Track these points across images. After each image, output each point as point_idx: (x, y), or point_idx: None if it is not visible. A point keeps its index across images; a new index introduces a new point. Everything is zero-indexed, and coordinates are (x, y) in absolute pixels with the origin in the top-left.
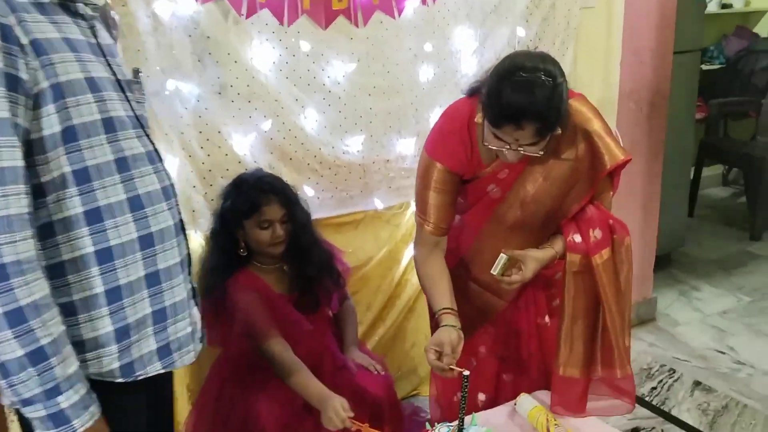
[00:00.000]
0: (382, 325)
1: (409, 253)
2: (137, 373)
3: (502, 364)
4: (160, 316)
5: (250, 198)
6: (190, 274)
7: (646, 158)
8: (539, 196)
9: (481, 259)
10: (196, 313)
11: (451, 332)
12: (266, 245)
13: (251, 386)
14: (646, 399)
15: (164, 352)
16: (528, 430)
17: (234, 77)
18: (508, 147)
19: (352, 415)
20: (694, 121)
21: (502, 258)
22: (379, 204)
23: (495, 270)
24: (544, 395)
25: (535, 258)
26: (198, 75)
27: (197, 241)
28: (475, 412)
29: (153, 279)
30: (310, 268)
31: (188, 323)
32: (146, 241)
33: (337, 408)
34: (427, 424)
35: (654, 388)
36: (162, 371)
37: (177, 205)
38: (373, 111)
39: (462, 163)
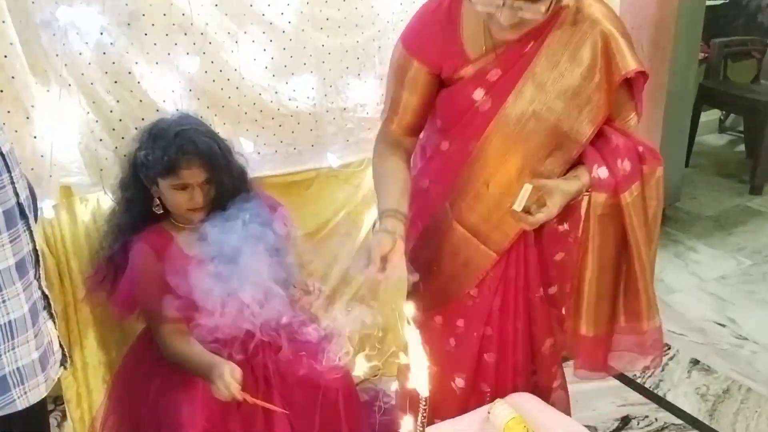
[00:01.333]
0: (339, 299)
1: (371, 217)
2: None
3: (484, 341)
4: None
5: (167, 156)
6: (39, 276)
7: (646, 105)
8: (540, 110)
9: (469, 194)
10: (50, 329)
11: (383, 237)
12: (183, 209)
13: (171, 376)
14: (638, 381)
15: None
16: None
17: (147, 4)
18: (500, 3)
19: (239, 383)
20: (697, 63)
21: (527, 189)
22: (334, 161)
23: (518, 205)
24: (526, 399)
25: (563, 190)
26: (100, 1)
27: (106, 205)
28: (451, 399)
29: None
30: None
31: (34, 346)
32: None
33: (225, 375)
34: None
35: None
36: None
37: (20, 179)
38: (326, 48)
39: (441, 55)
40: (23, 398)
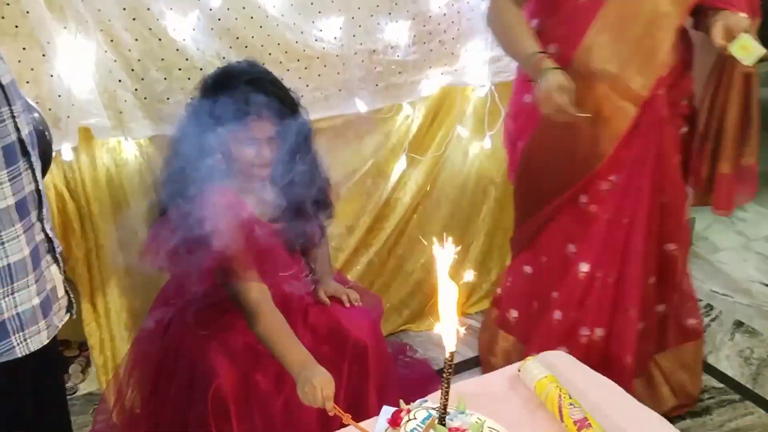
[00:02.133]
0: (366, 252)
1: (400, 167)
2: None
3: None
4: None
5: (236, 106)
6: (42, 218)
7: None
8: None
9: (603, 47)
10: (54, 273)
11: (558, 74)
12: (248, 165)
13: (205, 324)
14: None
15: None
16: (534, 406)
17: None
18: None
19: (331, 396)
20: None
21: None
22: (362, 106)
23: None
24: (560, 358)
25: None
26: None
27: (130, 151)
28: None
29: None
30: (301, 200)
31: (35, 291)
32: None
33: (315, 387)
34: (401, 402)
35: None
36: None
37: (22, 114)
38: None
39: None
40: (23, 345)
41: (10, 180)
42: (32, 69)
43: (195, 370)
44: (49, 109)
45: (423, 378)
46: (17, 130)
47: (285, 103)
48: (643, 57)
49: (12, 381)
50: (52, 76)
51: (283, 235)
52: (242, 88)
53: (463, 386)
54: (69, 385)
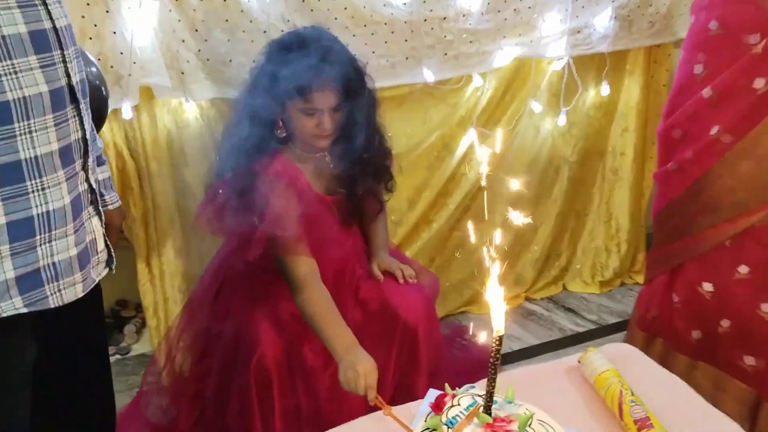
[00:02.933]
0: (427, 228)
1: (467, 140)
2: None
3: None
4: (20, 230)
5: (299, 75)
6: (87, 168)
7: None
8: None
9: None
10: (95, 226)
11: None
12: (309, 135)
13: (253, 298)
14: None
15: (28, 282)
16: (592, 401)
17: None
18: None
19: (374, 385)
20: None
21: None
22: (429, 76)
23: None
24: (626, 351)
25: None
26: None
27: (192, 113)
28: None
29: (8, 173)
30: (362, 174)
31: (73, 242)
32: None
33: (358, 373)
34: (446, 387)
35: None
36: (24, 311)
37: (74, 60)
38: None
39: None
40: (56, 296)
41: (56, 125)
42: (95, 25)
43: (241, 338)
44: (111, 67)
45: (479, 363)
46: (67, 75)
47: (351, 73)
48: None
49: (51, 331)
50: (114, 33)
51: (339, 208)
52: (307, 55)
53: (517, 374)
54: (123, 345)
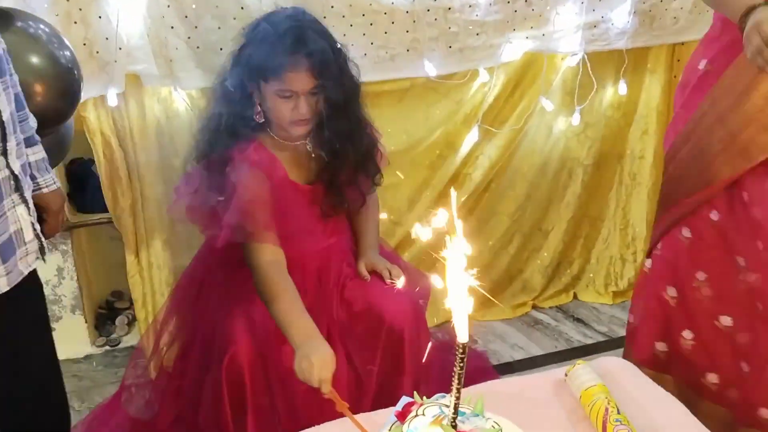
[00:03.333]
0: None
1: (471, 139)
2: None
3: None
4: None
5: (273, 55)
6: (6, 151)
7: None
8: None
9: None
10: (20, 215)
11: None
12: (285, 121)
13: (229, 296)
14: None
15: None
16: (576, 418)
17: None
18: None
19: (329, 380)
20: None
21: None
22: (431, 70)
23: None
24: (618, 365)
25: None
26: None
27: (180, 102)
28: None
29: None
30: (343, 163)
31: None
32: None
33: (312, 364)
34: (415, 395)
35: None
36: None
37: None
38: None
39: None
40: None
41: None
42: (80, 9)
43: (215, 335)
44: (96, 52)
45: (476, 371)
46: None
47: (330, 56)
48: None
49: None
50: (100, 17)
51: (319, 199)
52: (284, 35)
53: (499, 385)
54: (113, 336)
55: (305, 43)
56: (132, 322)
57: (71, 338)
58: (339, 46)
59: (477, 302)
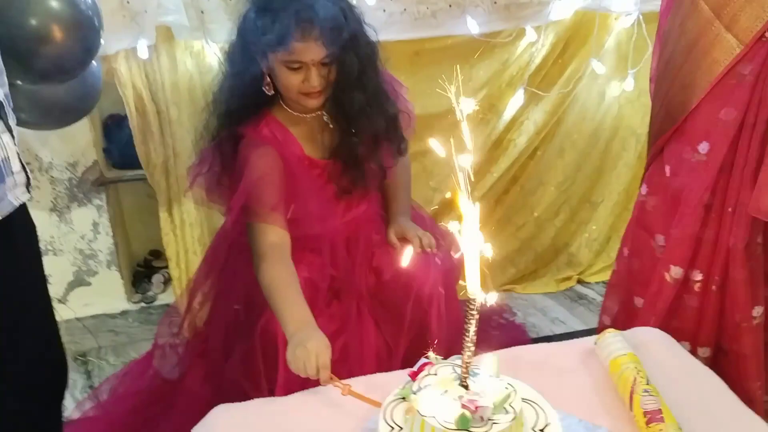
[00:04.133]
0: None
1: (516, 103)
2: None
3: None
4: None
5: (277, 23)
6: None
7: None
8: None
9: None
10: (6, 143)
11: None
12: (295, 93)
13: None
14: None
15: None
16: (603, 387)
17: None
18: None
19: (328, 365)
20: None
21: None
22: (474, 27)
23: None
24: (652, 336)
25: None
26: None
27: (212, 57)
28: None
29: None
30: (359, 138)
31: None
32: None
33: (309, 351)
34: (431, 355)
35: None
36: None
37: None
38: None
39: None
40: None
41: None
42: None
43: (248, 300)
44: (127, 2)
45: (512, 343)
46: None
47: (341, 23)
48: None
49: None
50: None
51: (336, 174)
52: (288, 2)
53: (526, 352)
54: (150, 294)
55: (314, 9)
56: (168, 280)
57: (107, 293)
58: (354, 9)
59: (518, 275)
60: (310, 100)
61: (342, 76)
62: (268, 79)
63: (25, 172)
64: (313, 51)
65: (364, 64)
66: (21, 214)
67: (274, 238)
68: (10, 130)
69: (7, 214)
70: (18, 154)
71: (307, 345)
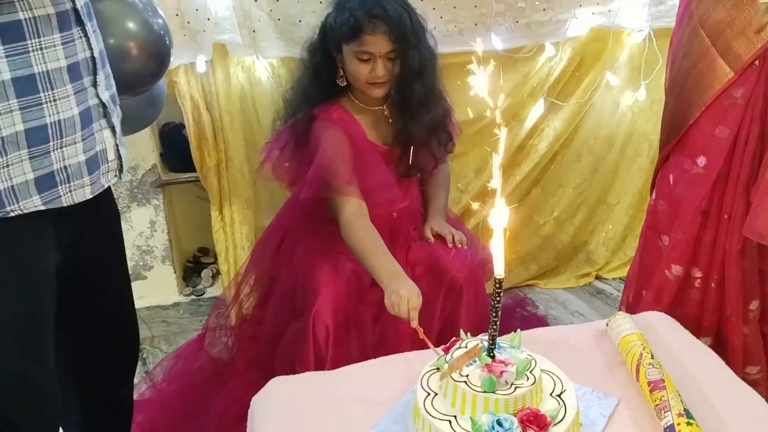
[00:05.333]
0: (491, 197)
1: (537, 111)
2: (7, 208)
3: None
4: (36, 136)
5: (352, 17)
6: (96, 84)
7: None
8: None
9: None
10: (106, 138)
11: None
12: (363, 82)
13: (315, 250)
14: None
15: (44, 183)
16: (614, 363)
17: None
18: None
19: (417, 309)
20: None
21: None
22: (498, 43)
23: None
24: (659, 319)
25: None
26: None
27: (261, 70)
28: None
29: (24, 85)
30: (418, 126)
31: (82, 149)
32: (11, 31)
33: (402, 297)
34: (461, 332)
35: None
36: (42, 208)
37: None
38: None
39: None
40: (68, 196)
41: (63, 44)
42: None
43: (301, 288)
44: (188, 22)
45: None
46: (72, 0)
47: (407, 23)
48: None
49: (72, 227)
50: None
51: (395, 159)
52: (363, 1)
53: (543, 332)
54: (199, 287)
55: (384, 9)
56: (216, 275)
57: (161, 287)
58: (418, 16)
59: (540, 271)
60: (375, 89)
61: (405, 69)
62: (342, 71)
63: (119, 161)
64: (381, 44)
65: (424, 63)
66: (107, 198)
67: (354, 206)
68: (111, 127)
69: (97, 192)
70: (116, 146)
71: (401, 292)
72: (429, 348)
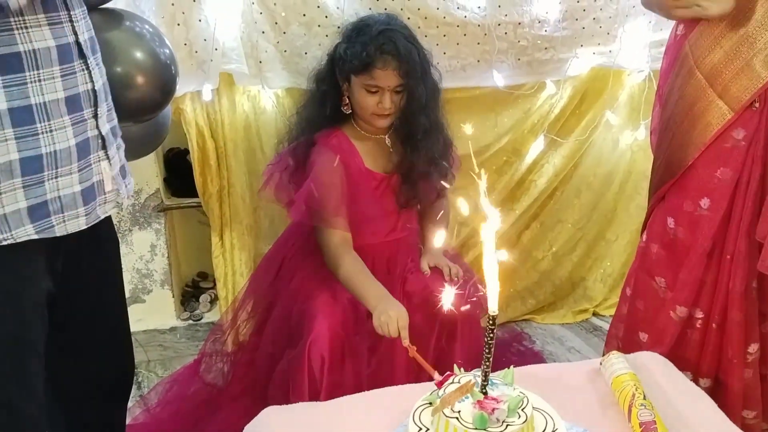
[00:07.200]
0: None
1: (537, 148)
2: None
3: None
4: (31, 166)
5: (364, 52)
6: (97, 116)
7: None
8: None
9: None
10: (103, 169)
11: None
12: (369, 113)
13: (312, 279)
14: None
15: (38, 212)
16: (607, 403)
17: None
18: None
19: (406, 328)
20: None
21: None
22: (499, 80)
23: None
24: (652, 360)
25: None
26: None
27: (266, 100)
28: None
29: (20, 115)
30: (419, 157)
31: (77, 179)
32: (9, 63)
33: (391, 317)
34: (454, 367)
35: None
36: (35, 237)
37: (82, 20)
38: None
39: None
40: (61, 226)
41: (62, 76)
42: (183, 12)
43: (297, 316)
44: (196, 52)
45: None
46: (75, 33)
47: (415, 59)
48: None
49: (64, 265)
50: (200, 21)
51: (392, 187)
52: (377, 36)
53: (537, 369)
54: (197, 312)
55: (395, 43)
56: (214, 300)
57: (159, 310)
58: (425, 52)
59: (537, 306)
60: (380, 120)
61: (411, 102)
62: (347, 99)
63: (118, 193)
64: (390, 78)
65: (429, 96)
66: (107, 226)
67: (339, 239)
68: (108, 159)
69: (93, 223)
70: (113, 178)
71: (390, 312)
72: (422, 381)
